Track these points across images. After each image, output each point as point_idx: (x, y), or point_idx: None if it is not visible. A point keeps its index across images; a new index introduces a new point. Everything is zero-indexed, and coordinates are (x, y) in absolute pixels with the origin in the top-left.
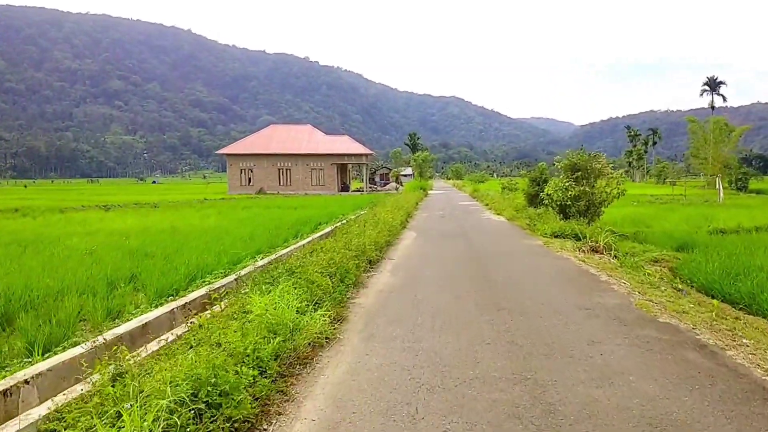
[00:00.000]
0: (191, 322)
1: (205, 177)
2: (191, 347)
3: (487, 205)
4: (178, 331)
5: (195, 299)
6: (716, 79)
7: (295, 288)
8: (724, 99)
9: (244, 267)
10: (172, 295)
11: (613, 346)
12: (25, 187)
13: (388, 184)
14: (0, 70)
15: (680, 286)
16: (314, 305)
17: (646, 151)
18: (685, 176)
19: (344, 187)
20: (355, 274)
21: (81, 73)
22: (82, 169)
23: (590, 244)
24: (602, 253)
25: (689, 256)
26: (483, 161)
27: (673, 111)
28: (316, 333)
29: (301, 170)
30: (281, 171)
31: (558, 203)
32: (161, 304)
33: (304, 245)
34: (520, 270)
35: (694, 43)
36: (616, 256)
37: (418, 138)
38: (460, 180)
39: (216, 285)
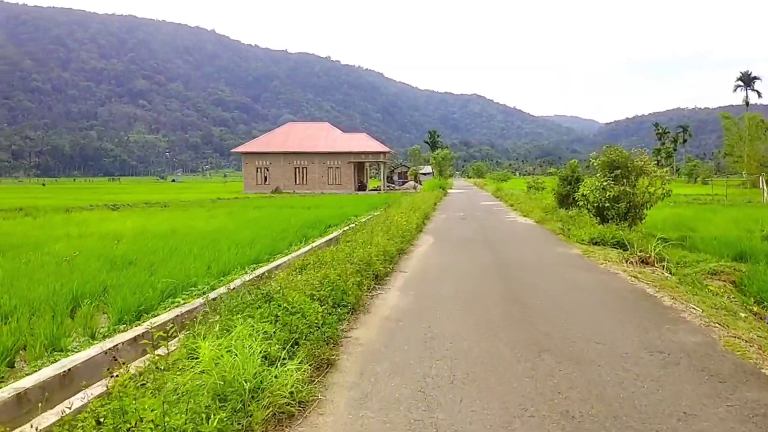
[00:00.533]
0: (115, 376)
1: (225, 176)
2: (98, 422)
3: (511, 205)
4: (97, 389)
5: (149, 330)
6: (750, 74)
7: (269, 322)
8: (759, 95)
9: (232, 281)
10: (128, 323)
11: (717, 422)
12: (44, 185)
13: (406, 183)
14: (27, 69)
15: (755, 309)
16: (293, 346)
17: (675, 150)
18: (716, 175)
19: (361, 186)
20: (355, 295)
21: (106, 72)
22: (106, 168)
23: (639, 254)
24: (654, 266)
25: (754, 268)
26: (505, 159)
27: (700, 108)
28: (285, 396)
29: (317, 169)
30: (297, 169)
31: (594, 205)
32: (111, 334)
33: (306, 252)
34: (560, 289)
35: (721, 39)
36: (669, 270)
37: (438, 135)
38: (482, 178)
39: (163, 317)
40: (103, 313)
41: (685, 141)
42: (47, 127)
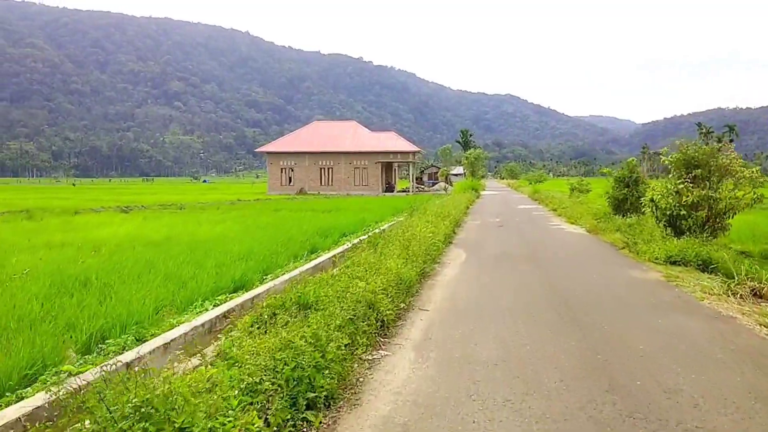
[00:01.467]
0: None
1: (257, 176)
2: None
3: (554, 210)
4: None
5: None
6: None
7: None
8: None
9: (178, 324)
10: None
11: None
12: (74, 185)
13: (436, 184)
14: (67, 72)
15: None
16: None
17: (719, 150)
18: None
19: (389, 187)
20: (339, 371)
21: (143, 75)
22: (142, 168)
23: (749, 284)
24: None
25: None
26: (538, 160)
27: (742, 108)
28: None
29: (343, 169)
30: (323, 170)
31: (666, 213)
32: None
33: (300, 274)
34: (664, 351)
35: (763, 39)
36: None
37: (471, 135)
38: (515, 180)
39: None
40: None
41: (731, 141)
42: (86, 128)
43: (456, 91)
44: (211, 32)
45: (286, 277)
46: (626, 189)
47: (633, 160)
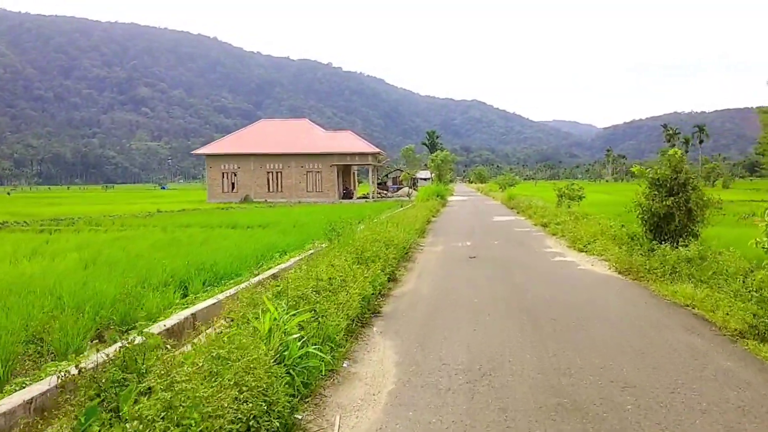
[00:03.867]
0: None
1: None
2: None
3: (544, 226)
4: None
5: None
6: None
7: None
8: None
9: None
10: None
11: None
12: (8, 194)
13: (401, 188)
14: (30, 78)
15: None
16: None
17: (686, 151)
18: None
19: (347, 193)
20: None
21: (109, 80)
22: (108, 176)
23: None
24: None
25: None
26: (505, 164)
27: (697, 113)
28: None
29: (294, 173)
30: (271, 174)
31: None
32: None
33: None
34: None
35: (719, 44)
36: None
37: (438, 137)
38: (484, 183)
39: None
40: None
41: (701, 142)
42: (50, 135)
43: (424, 97)
44: (179, 38)
45: None
46: (670, 198)
47: (678, 151)
